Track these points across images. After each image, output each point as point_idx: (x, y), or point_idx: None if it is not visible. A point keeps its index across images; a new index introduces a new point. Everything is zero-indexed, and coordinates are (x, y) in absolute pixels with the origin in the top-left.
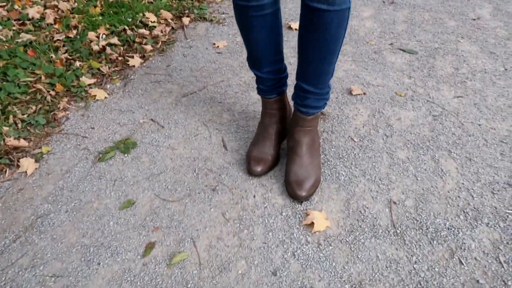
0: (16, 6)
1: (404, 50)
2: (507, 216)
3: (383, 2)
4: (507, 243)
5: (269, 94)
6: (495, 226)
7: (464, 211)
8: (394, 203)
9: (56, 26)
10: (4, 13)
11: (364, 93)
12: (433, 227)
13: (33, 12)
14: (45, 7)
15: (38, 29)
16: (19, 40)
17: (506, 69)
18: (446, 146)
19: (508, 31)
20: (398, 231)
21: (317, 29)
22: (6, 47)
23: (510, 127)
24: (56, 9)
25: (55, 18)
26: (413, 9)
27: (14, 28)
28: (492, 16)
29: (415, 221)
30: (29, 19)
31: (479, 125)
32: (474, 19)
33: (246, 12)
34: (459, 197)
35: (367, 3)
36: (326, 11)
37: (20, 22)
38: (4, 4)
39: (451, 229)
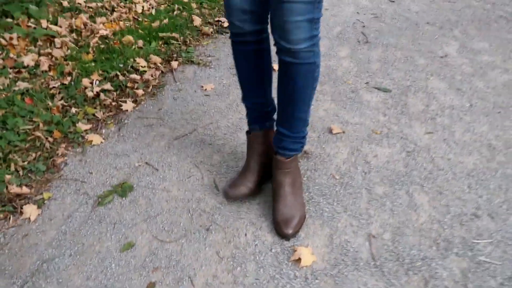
0: (11, 54)
1: (378, 89)
2: (474, 246)
3: (358, 41)
4: (475, 271)
5: (252, 125)
6: (463, 255)
7: (436, 242)
8: (373, 236)
9: (51, 73)
10: (0, 61)
11: (343, 132)
12: (408, 258)
13: (28, 60)
14: (39, 54)
15: (33, 77)
16: (16, 88)
17: (471, 105)
18: (419, 181)
19: (473, 67)
20: (378, 263)
21: (287, 79)
22: (4, 95)
23: (476, 160)
24: (50, 56)
25: (50, 65)
26: (386, 48)
27: (10, 76)
28: (458, 53)
29: (392, 253)
30: (24, 67)
31: (448, 159)
32: (442, 57)
33: (234, 46)
34: (431, 229)
35: (343, 43)
36: (294, 64)
37: (16, 70)
38: (0, 52)
39: (425, 259)
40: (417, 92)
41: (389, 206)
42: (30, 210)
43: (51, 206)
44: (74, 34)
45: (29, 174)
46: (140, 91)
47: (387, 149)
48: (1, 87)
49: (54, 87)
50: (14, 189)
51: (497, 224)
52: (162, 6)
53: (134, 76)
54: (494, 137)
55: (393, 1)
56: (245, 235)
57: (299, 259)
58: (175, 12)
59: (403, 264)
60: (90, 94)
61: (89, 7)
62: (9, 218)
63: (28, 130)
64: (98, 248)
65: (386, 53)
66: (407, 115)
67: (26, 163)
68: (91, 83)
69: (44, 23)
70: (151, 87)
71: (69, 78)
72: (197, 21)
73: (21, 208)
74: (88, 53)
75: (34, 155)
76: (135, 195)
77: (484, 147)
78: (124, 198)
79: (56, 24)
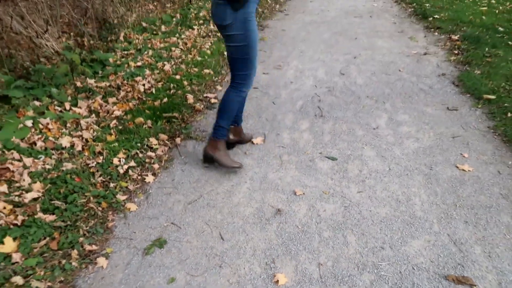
0: (50, 138)
1: (328, 158)
2: (379, 266)
3: (315, 115)
4: (377, 281)
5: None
6: (373, 272)
7: (357, 265)
8: (321, 264)
9: (86, 153)
10: (42, 143)
11: (304, 193)
12: (341, 276)
13: (65, 142)
14: (71, 135)
15: (72, 156)
16: (64, 169)
17: (389, 169)
18: (351, 227)
19: (395, 137)
20: (323, 281)
21: None
22: (55, 175)
23: (387, 211)
24: (81, 138)
25: (83, 145)
26: (335, 121)
27: (54, 157)
28: (386, 125)
29: (332, 274)
30: (63, 148)
31: (370, 211)
32: (374, 128)
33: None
34: (355, 257)
35: (304, 117)
36: None
37: (58, 152)
38: (40, 136)
39: (350, 276)
40: (354, 159)
41: (331, 244)
42: (102, 261)
43: (114, 257)
44: (93, 115)
45: (93, 236)
46: (156, 166)
47: (332, 205)
48: (50, 167)
49: (92, 166)
50: (87, 247)
51: (395, 252)
52: (160, 83)
53: (150, 153)
54: (401, 193)
55: (343, 74)
56: (244, 268)
57: (277, 281)
58: (171, 91)
59: (338, 279)
60: (121, 170)
61: (99, 86)
62: (89, 267)
63: (83, 203)
64: (152, 283)
65: (335, 125)
66: (346, 178)
67: (88, 228)
68: (119, 161)
69: (67, 105)
70: (163, 162)
71: (101, 157)
72: (190, 99)
73: (95, 260)
74: (110, 134)
75: (92, 221)
76: (169, 246)
77: (393, 201)
78: (162, 249)
79: (76, 105)
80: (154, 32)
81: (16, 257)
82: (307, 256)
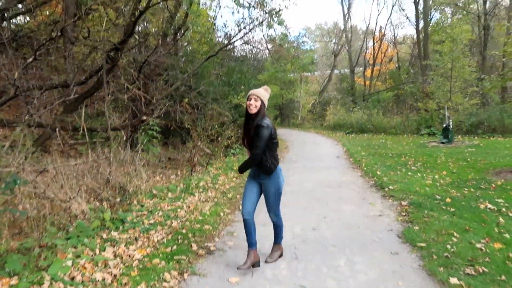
0: (86, 274)
1: (300, 286)
2: None
3: (291, 258)
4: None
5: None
6: None
7: None
8: None
9: (115, 284)
10: (80, 277)
11: None
12: None
13: (98, 276)
14: (102, 272)
15: (104, 287)
16: None
17: None
18: None
19: (351, 272)
20: None
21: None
22: None
23: None
24: (110, 273)
25: (112, 279)
26: (307, 262)
27: (90, 287)
28: (344, 264)
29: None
30: (97, 281)
31: None
32: (336, 266)
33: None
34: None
35: (283, 260)
36: None
37: (93, 283)
38: (78, 272)
39: None
40: None
41: None
42: None
43: None
44: (118, 258)
45: None
46: None
47: None
48: None
49: None
50: None
51: None
52: (169, 235)
53: (164, 284)
54: None
55: (315, 229)
56: None
57: None
58: (179, 241)
59: None
60: None
61: (121, 238)
62: None
63: None
64: None
65: (306, 265)
66: None
67: None
68: None
69: (97, 251)
70: None
71: (127, 287)
72: (194, 246)
73: None
74: (133, 271)
75: None
76: None
77: None
78: None
79: (104, 250)
80: (162, 198)
81: None
82: None
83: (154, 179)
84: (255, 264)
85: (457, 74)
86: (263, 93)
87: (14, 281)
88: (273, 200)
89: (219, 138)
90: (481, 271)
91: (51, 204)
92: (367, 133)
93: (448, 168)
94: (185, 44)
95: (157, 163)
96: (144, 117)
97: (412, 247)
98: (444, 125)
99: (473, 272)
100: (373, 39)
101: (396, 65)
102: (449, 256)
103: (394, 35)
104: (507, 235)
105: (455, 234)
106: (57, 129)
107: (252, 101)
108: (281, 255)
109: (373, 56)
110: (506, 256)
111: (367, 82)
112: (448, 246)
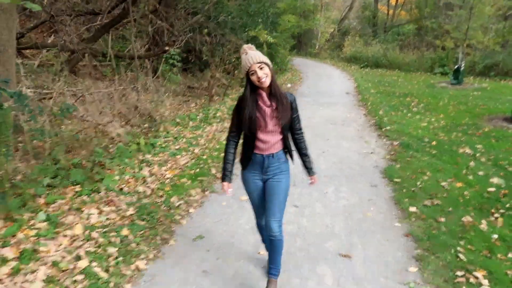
0: (131, 186)
1: (294, 206)
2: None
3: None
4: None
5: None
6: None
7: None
8: None
9: (153, 196)
10: (126, 189)
11: None
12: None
13: (140, 189)
14: (142, 185)
15: (145, 197)
16: (143, 202)
17: (326, 213)
18: (301, 235)
19: (335, 198)
20: None
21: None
22: (138, 204)
23: (321, 230)
24: (148, 187)
25: (150, 192)
26: (302, 188)
27: (135, 196)
28: (331, 192)
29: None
30: (139, 192)
31: (311, 230)
32: (325, 193)
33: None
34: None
35: None
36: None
37: (137, 193)
38: (124, 185)
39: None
40: (308, 207)
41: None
42: (171, 241)
43: (178, 240)
44: (153, 176)
45: (164, 231)
46: (195, 204)
47: (290, 226)
48: (135, 201)
49: (158, 202)
50: (163, 235)
51: None
52: (193, 160)
53: (191, 197)
54: (329, 223)
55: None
56: None
57: None
58: (201, 165)
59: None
60: (176, 204)
61: (154, 160)
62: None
63: (157, 218)
64: None
65: (302, 190)
66: (301, 215)
67: (162, 229)
68: (173, 200)
69: (136, 170)
70: (199, 203)
71: (162, 198)
72: (213, 170)
73: (167, 241)
74: (166, 186)
75: (162, 227)
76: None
77: (324, 226)
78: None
79: (141, 169)
80: (185, 126)
81: (131, 237)
82: None
83: (177, 107)
84: None
85: (478, 12)
86: (261, 54)
87: (78, 188)
88: (284, 197)
89: (236, 72)
90: (435, 203)
91: (92, 128)
92: (381, 69)
93: (447, 112)
94: None
95: (179, 91)
96: (167, 48)
97: (389, 181)
98: (456, 66)
99: (429, 204)
100: None
101: None
102: (415, 190)
103: None
104: (471, 177)
105: (427, 173)
106: (86, 54)
107: (260, 72)
108: None
109: None
110: (461, 193)
111: (391, 12)
112: (418, 183)
